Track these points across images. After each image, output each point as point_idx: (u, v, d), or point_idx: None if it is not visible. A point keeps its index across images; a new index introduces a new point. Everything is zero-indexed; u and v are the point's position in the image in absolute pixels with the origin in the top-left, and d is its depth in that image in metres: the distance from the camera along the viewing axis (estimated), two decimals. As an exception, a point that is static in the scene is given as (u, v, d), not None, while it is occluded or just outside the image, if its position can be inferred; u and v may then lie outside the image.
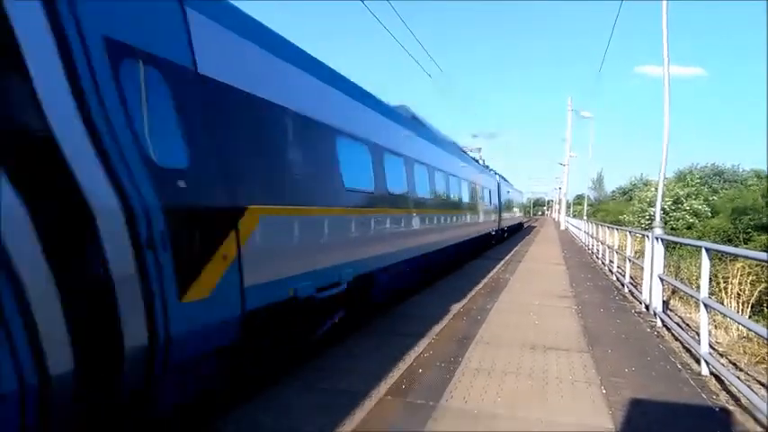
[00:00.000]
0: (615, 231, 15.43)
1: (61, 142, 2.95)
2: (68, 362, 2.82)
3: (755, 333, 5.41)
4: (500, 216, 25.32)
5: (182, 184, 3.73)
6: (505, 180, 33.33)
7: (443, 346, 6.32)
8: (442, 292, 10.30)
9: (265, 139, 4.95)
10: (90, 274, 3.11)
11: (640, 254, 12.23)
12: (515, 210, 38.38)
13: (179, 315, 3.55)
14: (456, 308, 8.66)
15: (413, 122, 11.03)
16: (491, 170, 25.33)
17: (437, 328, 7.17)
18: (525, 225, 51.57)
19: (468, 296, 9.84)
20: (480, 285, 11.29)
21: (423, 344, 6.36)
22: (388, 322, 7.54)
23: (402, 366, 5.48)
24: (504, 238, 28.30)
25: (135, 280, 3.23)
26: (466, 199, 16.23)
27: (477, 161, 21.68)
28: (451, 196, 13.81)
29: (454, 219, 14.13)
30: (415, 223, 9.91)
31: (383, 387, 4.86)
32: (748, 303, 11.01)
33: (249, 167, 4.61)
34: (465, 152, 19.54)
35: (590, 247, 22.11)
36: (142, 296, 3.27)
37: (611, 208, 62.18)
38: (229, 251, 4.09)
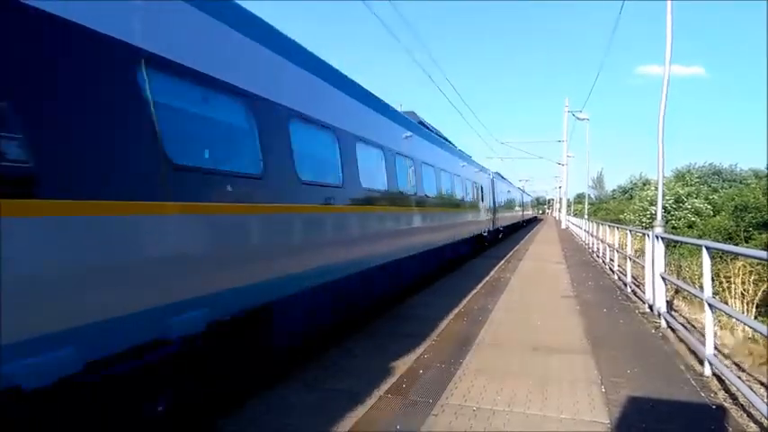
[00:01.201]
0: (616, 230, 15.41)
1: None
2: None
3: (761, 334, 5.39)
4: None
5: None
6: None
7: (444, 346, 6.32)
8: (443, 292, 10.30)
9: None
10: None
11: (641, 253, 12.21)
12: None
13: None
14: (457, 308, 8.65)
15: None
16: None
17: (438, 329, 7.18)
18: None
19: (469, 296, 9.84)
20: (481, 285, 11.28)
21: (423, 345, 6.36)
22: (389, 323, 7.55)
23: (403, 367, 5.48)
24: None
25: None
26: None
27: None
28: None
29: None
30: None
31: (383, 386, 4.87)
32: (753, 303, 10.99)
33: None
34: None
35: (591, 245, 22.08)
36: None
37: (612, 207, 62.19)
38: None
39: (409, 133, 10.29)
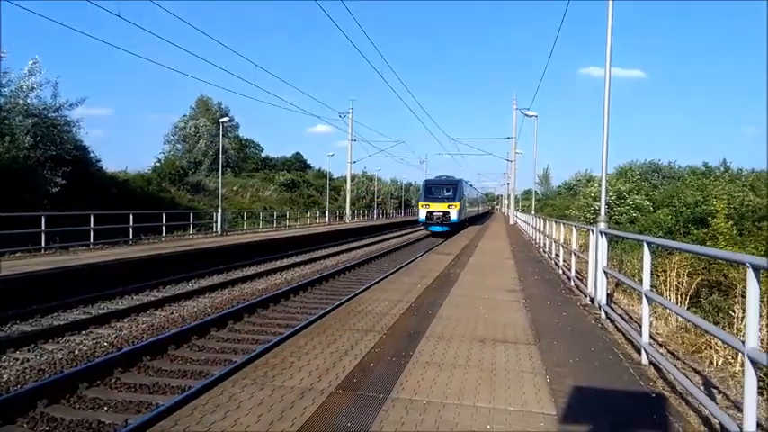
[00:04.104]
0: (561, 226, 15.83)
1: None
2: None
3: (693, 323, 5.65)
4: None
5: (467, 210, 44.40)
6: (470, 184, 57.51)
7: (394, 340, 6.37)
8: (393, 288, 10.36)
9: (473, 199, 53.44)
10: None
11: (585, 248, 12.59)
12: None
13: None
14: (407, 303, 8.73)
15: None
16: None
17: (388, 324, 7.22)
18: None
19: (419, 291, 9.94)
20: (431, 280, 11.41)
21: (374, 339, 6.39)
22: (339, 318, 7.55)
23: (353, 361, 5.49)
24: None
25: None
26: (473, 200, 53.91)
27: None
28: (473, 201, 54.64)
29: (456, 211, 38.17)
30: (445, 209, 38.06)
31: (334, 382, 4.86)
32: (686, 295, 11.46)
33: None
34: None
35: (537, 241, 22.63)
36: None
37: (558, 203, 63.75)
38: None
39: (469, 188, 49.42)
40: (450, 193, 39.11)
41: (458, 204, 38.20)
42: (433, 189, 39.82)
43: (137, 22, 53.06)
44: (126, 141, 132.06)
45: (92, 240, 19.22)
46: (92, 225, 19.03)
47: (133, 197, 31.99)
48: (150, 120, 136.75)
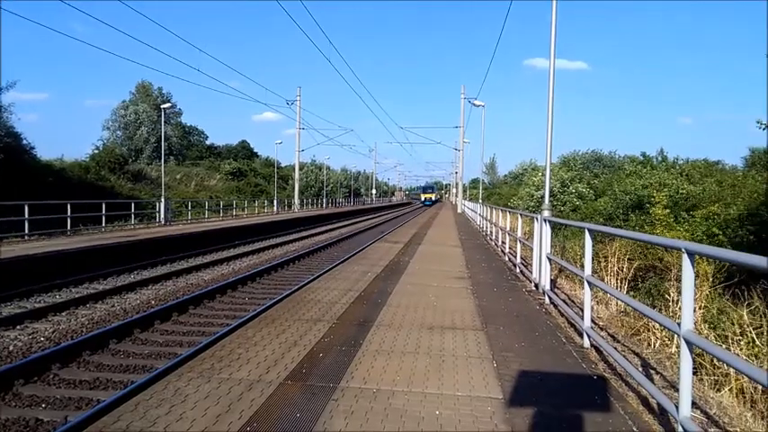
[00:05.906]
0: (507, 214, 16.14)
1: None
2: None
3: (632, 307, 5.86)
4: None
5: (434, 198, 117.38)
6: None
7: (344, 330, 6.36)
8: (343, 276, 10.34)
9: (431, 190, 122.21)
10: None
11: (530, 235, 12.87)
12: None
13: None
14: (356, 292, 8.73)
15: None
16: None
17: (337, 313, 7.20)
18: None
19: (369, 280, 9.95)
20: (381, 269, 11.44)
21: (323, 329, 6.36)
22: (288, 308, 7.47)
23: (303, 352, 5.46)
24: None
25: None
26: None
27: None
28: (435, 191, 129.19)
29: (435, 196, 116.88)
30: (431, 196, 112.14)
31: (283, 373, 4.82)
32: (626, 280, 11.90)
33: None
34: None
35: (484, 229, 23.02)
36: None
37: (504, 192, 65.06)
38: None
39: (433, 184, 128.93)
40: (432, 190, 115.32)
41: (436, 194, 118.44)
42: (426, 188, 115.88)
43: (73, 4, 50.81)
44: (63, 128, 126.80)
45: (26, 231, 18.39)
46: (26, 215, 18.20)
47: (70, 186, 30.82)
48: (88, 105, 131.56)
